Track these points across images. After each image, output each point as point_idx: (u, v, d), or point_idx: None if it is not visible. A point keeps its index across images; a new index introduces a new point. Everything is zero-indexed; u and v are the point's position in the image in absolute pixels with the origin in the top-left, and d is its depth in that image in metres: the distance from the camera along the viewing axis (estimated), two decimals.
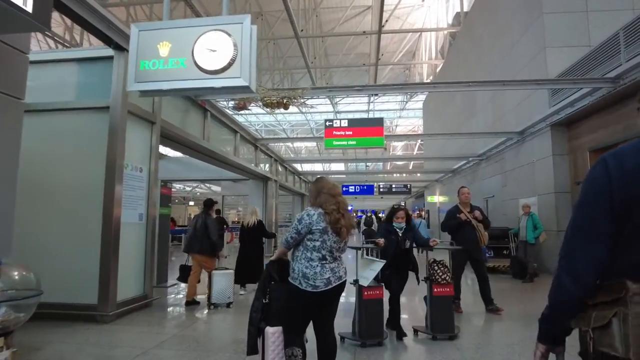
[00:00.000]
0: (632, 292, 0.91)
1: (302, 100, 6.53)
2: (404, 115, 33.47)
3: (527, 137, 9.54)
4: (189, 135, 7.03)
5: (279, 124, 34.65)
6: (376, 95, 6.95)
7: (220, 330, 4.67)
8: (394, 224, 4.18)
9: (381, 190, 22.15)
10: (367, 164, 30.31)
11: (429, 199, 22.64)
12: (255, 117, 33.25)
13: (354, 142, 7.93)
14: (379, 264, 3.81)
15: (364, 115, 31.80)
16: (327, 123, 8.07)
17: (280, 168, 15.45)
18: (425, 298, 4.22)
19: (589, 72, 6.91)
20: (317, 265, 2.52)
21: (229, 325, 4.84)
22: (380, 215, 25.08)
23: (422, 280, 4.25)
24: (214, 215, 6.46)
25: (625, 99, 6.45)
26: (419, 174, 29.29)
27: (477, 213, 4.92)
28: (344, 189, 21.03)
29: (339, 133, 7.89)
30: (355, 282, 3.82)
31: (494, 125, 11.77)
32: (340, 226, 2.58)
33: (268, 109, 6.55)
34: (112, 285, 4.73)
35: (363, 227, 15.73)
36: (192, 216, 21.55)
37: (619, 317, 0.91)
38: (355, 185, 21.36)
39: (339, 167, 40.12)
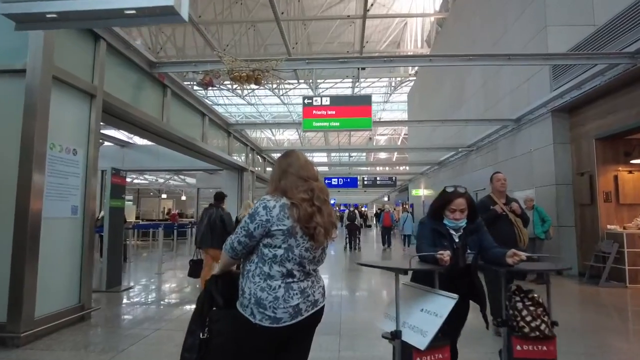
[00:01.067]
0: None
1: (274, 75, 5.56)
2: (387, 109, 32.76)
3: (524, 125, 8.82)
4: (143, 114, 5.96)
5: (260, 115, 33.40)
6: (362, 70, 6.10)
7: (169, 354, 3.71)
8: (446, 220, 2.33)
9: (365, 182, 21.31)
10: (351, 154, 29.51)
11: (414, 192, 22.00)
12: (236, 108, 31.99)
13: (337, 124, 6.88)
14: (449, 304, 1.93)
15: None
16: (306, 101, 7.01)
17: (258, 158, 14.43)
18: (500, 354, 2.30)
19: (601, 49, 6.16)
20: (280, 286, 1.61)
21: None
22: (363, 209, 24.13)
23: (495, 324, 2.93)
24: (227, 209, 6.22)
25: None
26: (401, 167, 28.73)
27: (515, 206, 3.93)
28: (326, 181, 20.14)
29: (319, 112, 6.85)
30: (395, 336, 2.00)
31: (486, 114, 11.05)
32: (315, 225, 1.66)
33: (237, 84, 5.56)
34: (28, 297, 3.69)
35: (346, 222, 14.35)
36: (166, 209, 20.28)
37: None
38: (338, 178, 20.45)
39: (322, 158, 39.32)
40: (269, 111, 33.75)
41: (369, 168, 27.89)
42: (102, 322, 4.57)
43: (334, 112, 6.76)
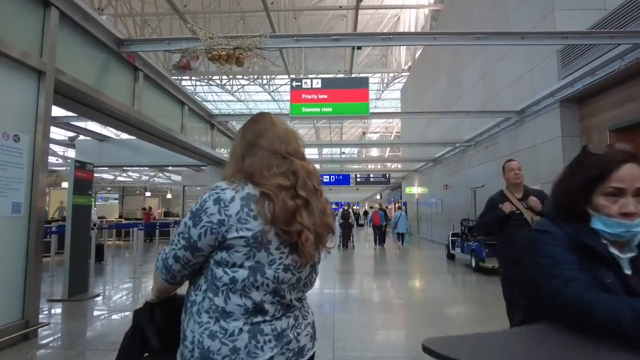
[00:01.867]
0: None
1: (259, 56, 4.87)
2: (379, 106, 32.14)
3: (528, 117, 8.27)
4: (111, 100, 5.23)
5: (250, 112, 32.55)
6: (358, 48, 5.56)
7: None
8: (599, 220, 1.04)
9: (358, 180, 20.58)
10: (343, 151, 28.86)
11: (407, 190, 21.40)
12: (225, 105, 31.12)
13: (330, 109, 6.14)
14: None
15: None
16: (294, 84, 6.26)
17: None
18: None
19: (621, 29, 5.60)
20: (241, 330, 0.97)
21: None
22: (355, 208, 23.53)
23: None
24: None
25: None
26: (394, 165, 28.18)
27: (533, 200, 2.93)
28: None
29: (309, 97, 6.13)
30: None
31: (485, 107, 10.50)
32: (300, 229, 1.01)
33: (217, 64, 4.87)
34: None
35: (340, 221, 13.90)
36: (148, 208, 19.41)
37: None
38: (330, 175, 19.69)
39: (312, 155, 38.62)
40: (259, 108, 32.99)
41: (361, 165, 27.30)
42: (50, 341, 3.86)
43: (326, 97, 6.04)
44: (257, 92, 29.35)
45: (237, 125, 12.32)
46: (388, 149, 37.31)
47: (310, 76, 6.53)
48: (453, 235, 10.54)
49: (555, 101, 7.17)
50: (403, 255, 12.20)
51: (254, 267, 0.97)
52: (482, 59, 10.91)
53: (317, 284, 1.51)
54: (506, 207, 3.03)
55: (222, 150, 10.79)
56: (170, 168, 20.47)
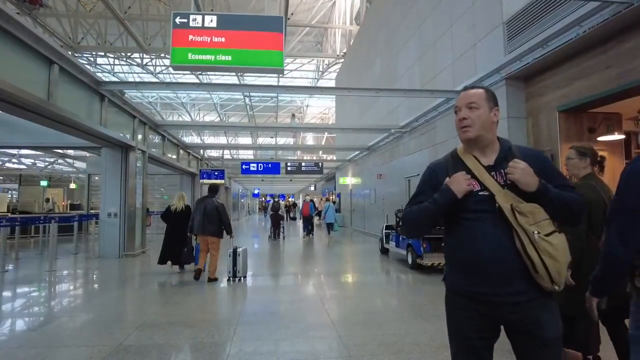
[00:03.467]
0: None
1: None
2: (315, 96, 30.80)
3: None
4: None
5: (177, 98, 29.33)
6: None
7: None
8: None
9: (289, 169, 19.00)
10: (277, 138, 27.34)
11: (341, 180, 20.58)
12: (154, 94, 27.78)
13: (229, 57, 4.46)
14: None
15: (273, 99, 28.24)
16: (178, 20, 4.43)
17: (154, 136, 11.69)
18: None
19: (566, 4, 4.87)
20: None
21: None
22: (290, 200, 22.34)
23: None
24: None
25: (631, 28, 4.53)
26: (328, 157, 27.32)
27: (516, 166, 1.48)
28: (244, 166, 17.73)
29: (200, 39, 4.44)
30: None
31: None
32: None
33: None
34: None
35: (270, 212, 14.60)
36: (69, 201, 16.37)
37: None
38: (258, 163, 18.02)
39: (245, 140, 36.35)
40: (190, 97, 30.05)
41: (298, 152, 26.04)
42: None
43: (223, 40, 4.40)
44: (184, 73, 26.42)
45: (167, 117, 10.25)
46: (324, 140, 36.42)
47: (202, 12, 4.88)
48: (387, 227, 9.70)
49: (501, 78, 6.44)
50: (333, 250, 11.18)
51: None
52: (419, 42, 10.14)
53: None
54: (459, 183, 1.53)
55: (118, 129, 8.77)
56: (68, 152, 17.44)
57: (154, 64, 21.92)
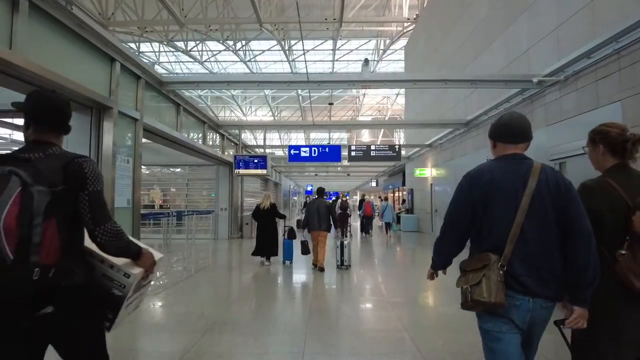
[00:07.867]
0: (492, 261, 1.58)
1: None
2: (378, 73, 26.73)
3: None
4: None
5: (227, 91, 27.80)
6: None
7: None
8: None
9: (353, 154, 13.89)
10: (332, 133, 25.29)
11: (418, 172, 15.99)
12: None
13: None
14: None
15: (328, 70, 24.72)
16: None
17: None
18: None
19: None
20: None
21: None
22: (345, 198, 19.42)
23: None
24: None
25: None
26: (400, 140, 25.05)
27: None
28: (293, 152, 13.74)
29: None
30: None
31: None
32: None
33: None
34: None
35: (339, 211, 12.33)
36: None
37: (486, 277, 1.56)
38: (310, 147, 13.79)
39: (300, 141, 35.13)
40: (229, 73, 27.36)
41: (355, 143, 23.69)
42: None
43: None
44: (233, 61, 24.28)
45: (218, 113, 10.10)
46: (381, 134, 34.23)
47: None
48: None
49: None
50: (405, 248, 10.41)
51: None
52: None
53: None
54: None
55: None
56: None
57: (199, 49, 20.35)
